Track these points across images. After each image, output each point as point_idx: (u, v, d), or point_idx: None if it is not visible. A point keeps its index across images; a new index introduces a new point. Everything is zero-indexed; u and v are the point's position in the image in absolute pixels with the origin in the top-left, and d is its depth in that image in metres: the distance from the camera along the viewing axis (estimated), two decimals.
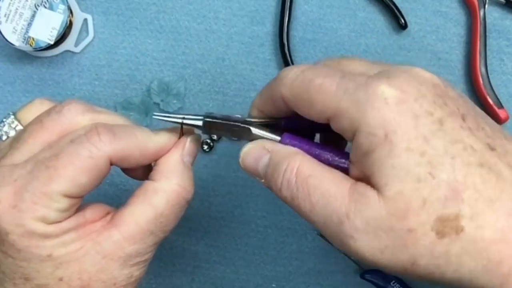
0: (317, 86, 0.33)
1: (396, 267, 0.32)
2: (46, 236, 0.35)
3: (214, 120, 0.38)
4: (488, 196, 0.31)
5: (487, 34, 0.56)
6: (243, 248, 0.56)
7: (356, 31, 0.57)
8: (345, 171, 0.34)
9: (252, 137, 0.38)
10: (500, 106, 0.55)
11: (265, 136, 0.37)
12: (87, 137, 0.36)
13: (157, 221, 0.37)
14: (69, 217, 0.36)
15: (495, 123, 0.34)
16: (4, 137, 0.39)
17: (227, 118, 0.38)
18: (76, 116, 0.38)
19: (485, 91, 0.55)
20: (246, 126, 0.38)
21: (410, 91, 0.32)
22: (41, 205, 0.35)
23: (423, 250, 0.31)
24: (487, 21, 0.56)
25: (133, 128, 0.38)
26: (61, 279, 0.36)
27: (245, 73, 0.57)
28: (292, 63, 0.55)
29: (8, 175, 0.35)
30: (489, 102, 0.55)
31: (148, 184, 0.38)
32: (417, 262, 0.31)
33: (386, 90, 0.32)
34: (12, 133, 0.39)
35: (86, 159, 0.36)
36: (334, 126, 0.34)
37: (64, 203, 0.35)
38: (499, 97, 0.55)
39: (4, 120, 0.40)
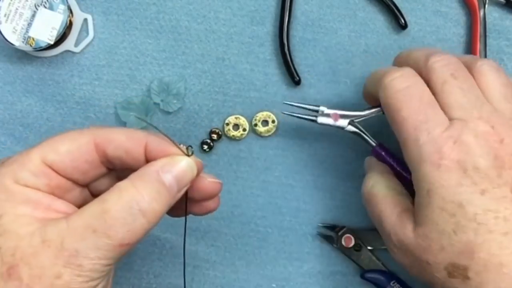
0: (401, 118, 0.41)
1: (421, 281, 0.42)
2: (8, 193, 0.35)
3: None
4: (499, 261, 0.37)
5: (487, 34, 0.56)
6: (243, 248, 0.56)
7: (356, 31, 0.57)
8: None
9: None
10: None
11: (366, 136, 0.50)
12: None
13: (101, 217, 0.33)
14: (38, 189, 0.36)
15: None
16: None
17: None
18: None
19: None
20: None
21: (466, 162, 0.38)
22: (17, 163, 0.36)
23: (437, 280, 0.40)
24: (487, 21, 0.56)
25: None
26: None
27: (245, 73, 0.57)
28: (292, 63, 0.55)
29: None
30: None
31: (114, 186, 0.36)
32: (433, 285, 0.40)
33: (446, 155, 0.38)
34: None
35: (70, 132, 0.37)
36: (403, 151, 0.42)
37: (38, 166, 0.36)
38: None
39: None
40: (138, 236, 0.34)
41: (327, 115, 0.50)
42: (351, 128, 0.50)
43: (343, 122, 0.50)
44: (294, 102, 0.52)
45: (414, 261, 0.41)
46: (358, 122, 0.50)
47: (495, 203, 0.37)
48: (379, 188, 0.44)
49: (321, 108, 0.50)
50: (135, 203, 0.34)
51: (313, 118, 0.50)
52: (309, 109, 0.51)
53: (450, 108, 0.40)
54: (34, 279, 0.33)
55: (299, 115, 0.51)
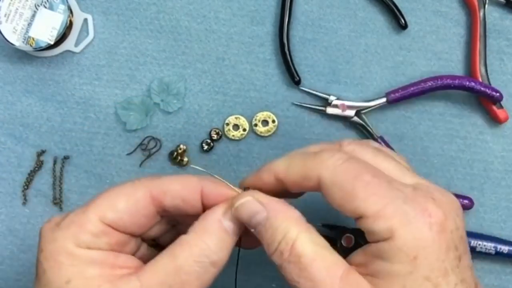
0: (364, 183, 0.34)
1: None
2: (73, 257, 0.35)
3: None
4: None
5: (487, 34, 0.56)
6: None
7: (356, 31, 0.57)
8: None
9: None
10: (500, 106, 0.55)
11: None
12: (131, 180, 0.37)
13: (175, 274, 0.35)
14: (100, 249, 0.36)
15: None
16: None
17: None
18: None
19: None
20: None
21: (451, 219, 0.34)
22: (76, 225, 0.35)
23: None
24: (487, 21, 0.56)
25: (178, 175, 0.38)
26: None
27: (245, 73, 0.57)
28: (292, 63, 0.55)
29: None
30: (488, 102, 0.55)
31: (179, 237, 0.36)
32: None
33: (433, 213, 0.33)
34: None
35: (126, 187, 0.37)
36: (364, 225, 0.34)
37: (98, 226, 0.36)
38: None
39: None
40: (209, 283, 0.36)
41: (335, 106, 0.55)
42: (357, 119, 0.55)
43: (350, 113, 0.55)
44: (309, 90, 0.56)
45: None
46: (364, 113, 0.55)
47: (464, 271, 0.34)
48: (305, 244, 0.34)
49: (331, 97, 0.55)
50: (205, 257, 0.35)
51: (322, 108, 0.55)
52: (320, 97, 0.56)
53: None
54: None
55: (310, 105, 0.56)
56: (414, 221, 0.33)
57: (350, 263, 0.35)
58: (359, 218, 0.34)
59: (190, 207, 0.38)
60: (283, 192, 0.39)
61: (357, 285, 0.33)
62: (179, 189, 0.37)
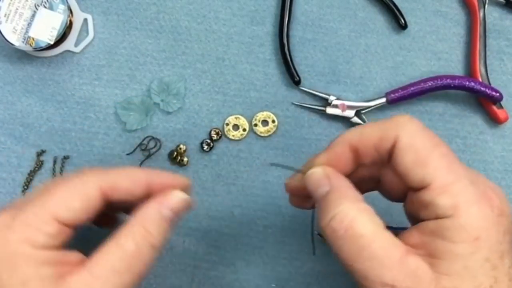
0: (440, 154, 0.34)
1: None
2: (28, 259, 0.35)
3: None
4: None
5: (487, 34, 0.56)
6: (243, 248, 0.56)
7: (356, 31, 0.57)
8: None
9: None
10: (500, 106, 0.55)
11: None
12: (77, 173, 0.39)
13: (122, 260, 0.37)
14: (55, 248, 0.37)
15: None
16: None
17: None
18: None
19: None
20: None
21: (505, 206, 0.34)
22: (32, 227, 0.36)
23: None
24: (487, 21, 0.56)
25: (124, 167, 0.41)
26: None
27: (245, 73, 0.57)
28: (292, 63, 0.55)
29: (11, 204, 0.38)
30: (488, 103, 0.55)
31: (122, 226, 0.38)
32: None
33: (493, 198, 0.34)
34: None
35: (77, 184, 0.38)
36: (427, 196, 0.34)
37: (54, 227, 0.36)
38: None
39: None
40: (151, 263, 0.38)
41: (335, 106, 0.55)
42: (356, 119, 0.55)
43: (350, 113, 0.55)
44: (309, 90, 0.56)
45: None
46: (363, 113, 0.55)
47: None
48: (364, 224, 0.34)
49: (331, 97, 0.55)
50: (147, 242, 0.38)
51: (322, 108, 0.55)
52: (320, 97, 0.56)
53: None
54: None
55: (309, 105, 0.56)
56: (479, 202, 0.33)
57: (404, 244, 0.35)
58: (422, 188, 0.34)
59: (135, 199, 0.40)
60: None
61: (417, 267, 0.33)
62: (128, 185, 0.40)
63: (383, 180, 0.39)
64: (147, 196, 0.40)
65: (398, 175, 0.36)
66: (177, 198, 0.40)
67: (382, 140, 0.36)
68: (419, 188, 0.34)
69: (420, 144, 0.35)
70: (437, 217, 0.34)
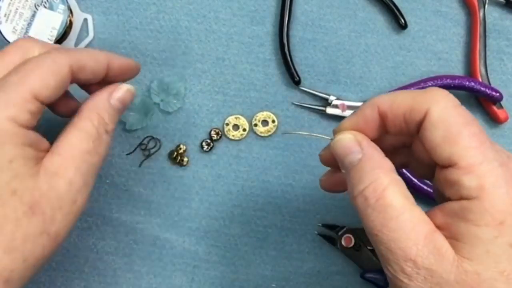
0: (471, 133, 0.33)
1: None
2: (15, 137, 0.37)
3: None
4: None
5: (487, 34, 0.56)
6: (243, 248, 0.56)
7: (356, 31, 0.57)
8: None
9: None
10: (500, 106, 0.55)
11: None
12: (48, 52, 0.41)
13: (88, 141, 0.40)
14: (33, 127, 0.38)
15: None
16: None
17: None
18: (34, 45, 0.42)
19: None
20: None
21: None
22: (15, 104, 0.37)
23: None
24: (487, 21, 0.56)
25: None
26: (14, 193, 0.36)
27: (245, 73, 0.57)
28: (292, 63, 0.55)
29: None
30: (488, 103, 0.55)
31: (76, 116, 0.41)
32: None
33: None
34: None
35: (50, 63, 0.39)
36: (453, 175, 0.33)
37: (35, 105, 0.38)
38: None
39: None
40: (107, 148, 0.43)
41: (335, 106, 0.55)
42: None
43: (350, 113, 0.54)
44: (309, 90, 0.56)
45: None
46: None
47: None
48: (395, 195, 0.34)
49: (331, 97, 0.55)
50: (103, 127, 0.42)
51: (322, 108, 0.55)
52: (320, 97, 0.56)
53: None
54: (55, 210, 0.38)
55: (309, 105, 0.56)
56: (507, 185, 0.32)
57: None
58: (449, 166, 0.33)
59: (96, 79, 0.43)
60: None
61: (441, 246, 0.33)
62: (93, 65, 0.42)
63: (413, 149, 0.38)
64: (104, 79, 0.44)
65: (426, 149, 0.35)
66: (123, 89, 0.44)
67: (413, 111, 0.35)
68: (446, 166, 0.33)
69: (451, 120, 0.34)
70: (461, 198, 0.33)
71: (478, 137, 0.33)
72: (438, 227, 0.34)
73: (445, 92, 0.35)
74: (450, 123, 0.34)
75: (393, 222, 0.33)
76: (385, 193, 0.34)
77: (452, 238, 0.33)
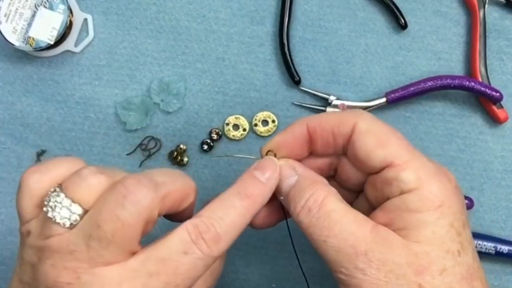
0: (397, 137, 0.38)
1: None
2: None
3: None
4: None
5: (487, 34, 0.56)
6: (243, 248, 0.56)
7: (356, 31, 0.57)
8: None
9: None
10: (500, 106, 0.55)
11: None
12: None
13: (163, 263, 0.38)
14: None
15: None
16: (50, 213, 0.35)
17: None
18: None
19: None
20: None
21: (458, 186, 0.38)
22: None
23: None
24: (487, 21, 0.56)
25: (169, 171, 0.39)
26: None
27: (245, 73, 0.57)
28: (292, 63, 0.55)
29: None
30: (488, 103, 0.55)
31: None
32: None
33: (448, 174, 0.38)
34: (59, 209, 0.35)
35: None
36: (392, 173, 0.37)
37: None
38: None
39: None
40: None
41: (335, 106, 0.55)
42: None
43: None
44: (309, 90, 0.56)
45: (398, 283, 0.35)
46: None
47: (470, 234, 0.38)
48: (335, 201, 0.37)
49: (331, 97, 0.55)
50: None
51: (322, 108, 0.56)
52: (320, 97, 0.56)
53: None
54: None
55: (310, 105, 0.56)
56: (437, 175, 0.36)
57: None
58: (386, 167, 0.37)
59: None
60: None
61: (387, 235, 0.36)
62: (186, 195, 0.40)
63: (339, 171, 0.41)
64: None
65: (357, 160, 0.38)
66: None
67: (341, 124, 0.38)
68: (381, 168, 0.37)
69: (378, 129, 0.38)
70: (402, 192, 0.36)
71: (404, 141, 0.38)
72: (382, 225, 0.37)
73: (365, 111, 0.40)
74: (378, 131, 0.38)
75: (338, 225, 0.36)
76: (326, 200, 0.37)
77: (398, 229, 0.36)
